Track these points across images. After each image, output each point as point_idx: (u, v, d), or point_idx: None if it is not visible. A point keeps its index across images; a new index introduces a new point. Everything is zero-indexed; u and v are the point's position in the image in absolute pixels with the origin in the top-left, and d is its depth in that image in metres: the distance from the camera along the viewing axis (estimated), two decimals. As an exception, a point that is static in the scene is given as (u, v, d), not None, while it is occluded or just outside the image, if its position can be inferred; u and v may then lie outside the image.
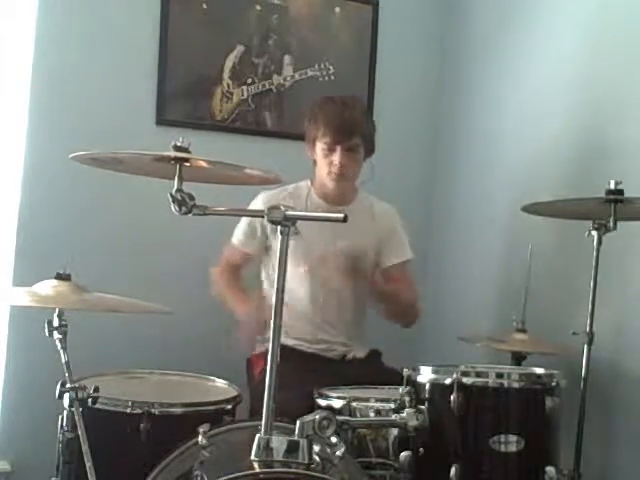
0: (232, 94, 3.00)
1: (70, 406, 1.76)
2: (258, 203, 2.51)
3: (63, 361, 1.79)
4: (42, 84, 2.72)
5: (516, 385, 1.87)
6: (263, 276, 2.62)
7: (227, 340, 2.30)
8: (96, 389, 1.79)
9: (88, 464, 1.70)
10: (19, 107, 2.73)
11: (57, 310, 1.83)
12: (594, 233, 2.15)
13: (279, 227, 1.59)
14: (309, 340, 2.54)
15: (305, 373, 2.26)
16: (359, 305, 2.61)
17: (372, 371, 2.43)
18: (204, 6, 2.95)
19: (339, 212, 1.60)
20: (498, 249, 2.94)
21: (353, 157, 2.48)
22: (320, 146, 2.48)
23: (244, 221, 2.56)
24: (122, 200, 2.77)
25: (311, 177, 2.61)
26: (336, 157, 2.45)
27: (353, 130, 2.45)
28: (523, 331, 2.44)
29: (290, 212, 1.59)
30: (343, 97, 2.55)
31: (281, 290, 1.59)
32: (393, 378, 2.11)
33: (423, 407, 1.83)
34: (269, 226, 2.44)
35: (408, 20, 3.28)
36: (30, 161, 2.70)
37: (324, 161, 2.49)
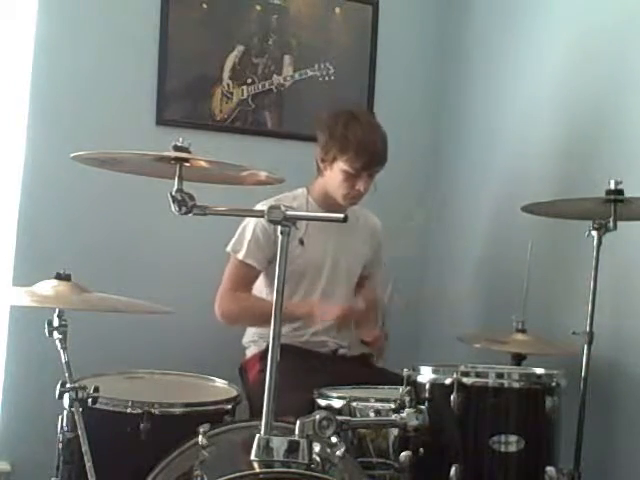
0: (232, 94, 2.99)
1: (70, 406, 1.76)
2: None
3: (63, 361, 1.79)
4: (42, 84, 2.72)
5: (516, 385, 1.87)
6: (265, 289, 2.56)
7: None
8: (96, 389, 1.79)
9: (88, 464, 1.70)
10: (19, 107, 2.73)
11: (57, 310, 1.84)
12: (594, 233, 2.14)
13: (279, 227, 1.59)
14: (300, 335, 2.53)
15: (300, 371, 2.25)
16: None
17: (365, 371, 2.44)
18: (204, 6, 2.94)
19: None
20: (498, 249, 2.94)
21: (372, 180, 2.48)
22: (342, 167, 2.43)
23: (253, 240, 2.46)
24: (122, 200, 2.76)
25: (307, 185, 2.60)
26: (361, 184, 2.44)
27: (383, 160, 2.46)
28: (523, 331, 2.44)
29: (290, 212, 1.60)
30: (365, 115, 2.56)
31: (281, 290, 1.59)
32: (385, 379, 2.18)
33: (423, 407, 1.83)
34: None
35: (408, 20, 3.27)
36: (30, 161, 2.70)
37: (344, 183, 2.45)
